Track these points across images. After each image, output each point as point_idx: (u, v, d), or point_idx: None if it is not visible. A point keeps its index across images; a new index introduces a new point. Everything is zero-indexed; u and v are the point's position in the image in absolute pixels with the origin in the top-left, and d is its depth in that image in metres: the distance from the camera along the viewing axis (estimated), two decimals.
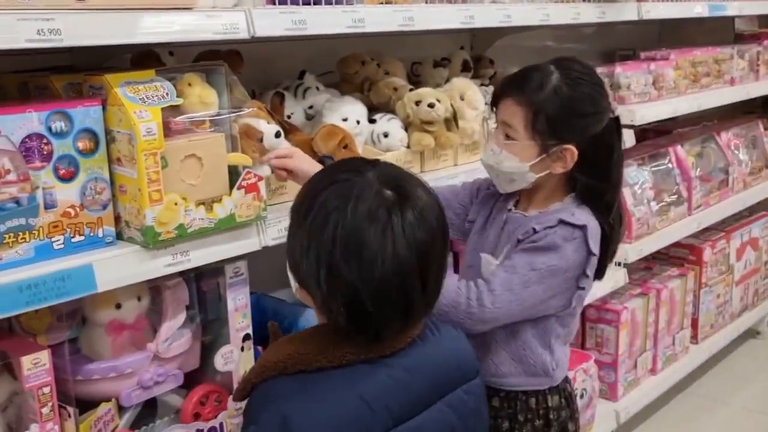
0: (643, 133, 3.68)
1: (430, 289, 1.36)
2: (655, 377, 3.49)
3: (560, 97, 1.77)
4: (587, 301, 2.95)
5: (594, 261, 1.80)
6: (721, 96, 3.74)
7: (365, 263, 1.27)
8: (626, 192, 3.19)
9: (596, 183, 1.82)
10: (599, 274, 1.88)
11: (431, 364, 1.42)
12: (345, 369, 1.34)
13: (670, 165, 3.54)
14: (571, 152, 1.79)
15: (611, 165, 1.82)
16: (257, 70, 2.25)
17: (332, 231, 1.27)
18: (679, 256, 3.78)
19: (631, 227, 3.16)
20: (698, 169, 3.66)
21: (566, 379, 1.97)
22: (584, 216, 1.80)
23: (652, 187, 3.37)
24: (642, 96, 3.29)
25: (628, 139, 3.07)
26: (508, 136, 1.83)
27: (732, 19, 4.36)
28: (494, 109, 1.89)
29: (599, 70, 3.16)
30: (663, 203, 3.40)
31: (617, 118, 1.84)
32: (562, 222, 1.77)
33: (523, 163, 1.81)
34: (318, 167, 1.87)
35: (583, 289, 1.82)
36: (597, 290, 3.00)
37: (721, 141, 3.90)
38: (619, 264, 3.12)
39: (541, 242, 1.77)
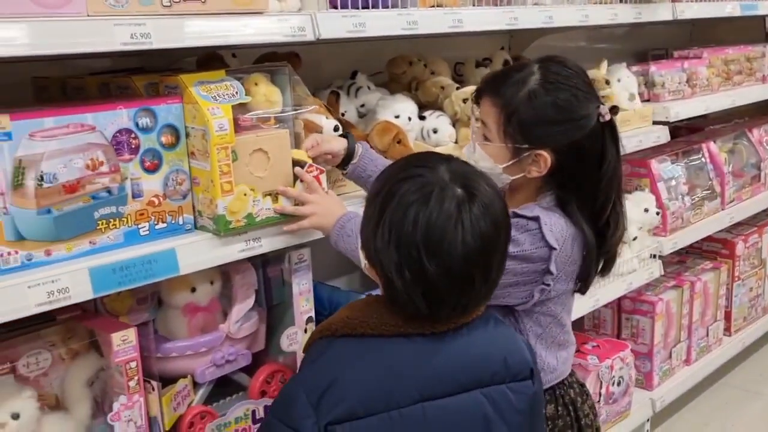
0: (676, 130, 3.75)
1: (491, 278, 1.46)
2: (690, 367, 3.58)
3: (535, 102, 1.74)
4: (607, 300, 3.09)
5: (555, 256, 1.73)
6: (754, 93, 3.82)
7: (442, 255, 1.37)
8: (661, 186, 3.28)
9: (577, 189, 1.78)
10: (583, 285, 1.84)
11: (474, 352, 1.47)
12: (382, 339, 1.43)
13: (703, 160, 3.62)
14: (545, 158, 1.75)
15: (601, 171, 1.76)
16: (307, 71, 2.38)
17: (411, 225, 1.37)
18: (712, 250, 3.86)
19: (665, 221, 3.25)
20: (731, 165, 3.74)
21: (568, 384, 1.92)
22: (544, 214, 1.75)
23: (686, 182, 3.45)
24: (676, 93, 3.38)
25: (663, 135, 3.17)
26: (485, 136, 1.83)
27: (763, 18, 4.42)
28: (478, 104, 1.86)
29: (634, 68, 3.28)
30: (696, 198, 3.48)
31: (610, 122, 1.77)
32: (515, 214, 1.74)
33: (496, 164, 1.80)
34: (341, 141, 1.99)
35: (548, 285, 1.75)
36: (634, 281, 3.10)
37: (753, 137, 3.96)
38: (654, 256, 3.21)
39: None
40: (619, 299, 3.28)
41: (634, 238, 3.06)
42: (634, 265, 3.09)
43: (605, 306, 3.21)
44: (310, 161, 1.93)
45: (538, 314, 1.82)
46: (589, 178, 1.77)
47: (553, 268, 1.73)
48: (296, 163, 1.91)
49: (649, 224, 3.15)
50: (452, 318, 1.45)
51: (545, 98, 1.74)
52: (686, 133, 3.94)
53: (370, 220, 1.46)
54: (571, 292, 1.87)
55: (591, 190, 1.78)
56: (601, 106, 1.77)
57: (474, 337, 1.48)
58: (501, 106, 1.77)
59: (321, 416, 1.36)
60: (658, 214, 3.14)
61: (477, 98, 1.87)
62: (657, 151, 3.38)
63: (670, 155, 3.45)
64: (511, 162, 1.79)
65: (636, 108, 3.14)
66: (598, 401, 2.93)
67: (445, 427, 1.43)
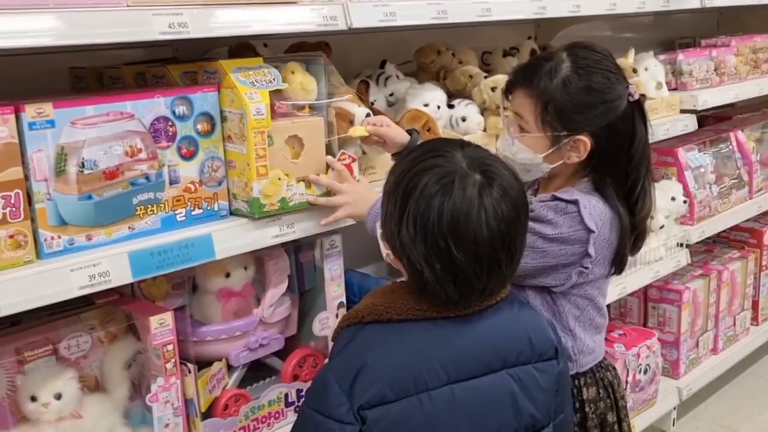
0: (704, 118, 3.74)
1: (516, 258, 1.48)
2: (717, 356, 3.58)
3: (569, 88, 1.76)
4: (632, 287, 3.09)
5: (593, 239, 1.75)
6: None
7: (469, 241, 1.39)
8: (688, 175, 3.28)
9: (611, 170, 1.80)
10: (619, 266, 1.86)
11: (499, 333, 1.49)
12: (408, 323, 1.45)
13: (731, 149, 3.60)
14: (584, 143, 1.77)
15: (632, 150, 1.79)
16: (336, 60, 2.40)
17: (437, 216, 1.39)
18: (739, 239, 3.84)
19: (693, 209, 3.25)
20: (759, 154, 3.71)
21: (604, 367, 1.94)
22: (583, 197, 1.77)
23: (714, 170, 3.44)
24: (704, 82, 3.37)
25: (690, 123, 3.16)
26: (521, 128, 1.84)
27: None
28: (509, 97, 1.87)
29: (661, 57, 3.27)
30: (724, 186, 3.47)
31: (638, 102, 1.80)
32: (555, 198, 1.78)
33: (536, 154, 1.82)
34: (406, 136, 2.01)
35: (587, 268, 1.78)
36: (660, 270, 3.11)
37: None
38: (681, 245, 3.21)
39: (533, 213, 1.72)
40: (646, 288, 3.28)
41: (662, 227, 3.06)
42: (661, 253, 3.09)
43: (631, 294, 3.22)
44: (367, 135, 1.97)
45: (576, 296, 1.84)
46: (622, 158, 1.80)
47: (591, 250, 1.75)
48: (329, 149, 1.94)
49: (676, 213, 3.15)
50: (479, 301, 1.48)
51: (579, 83, 1.76)
52: (714, 122, 3.92)
53: (392, 214, 1.46)
54: (607, 276, 1.88)
55: (623, 170, 1.80)
56: (630, 86, 1.80)
57: (499, 319, 1.50)
58: (536, 96, 1.79)
59: (354, 401, 1.38)
60: (685, 202, 3.14)
61: (508, 91, 1.88)
62: (684, 139, 3.37)
63: (697, 144, 3.44)
64: (551, 150, 1.81)
65: (663, 96, 3.13)
66: (625, 389, 2.94)
67: (474, 408, 1.45)
